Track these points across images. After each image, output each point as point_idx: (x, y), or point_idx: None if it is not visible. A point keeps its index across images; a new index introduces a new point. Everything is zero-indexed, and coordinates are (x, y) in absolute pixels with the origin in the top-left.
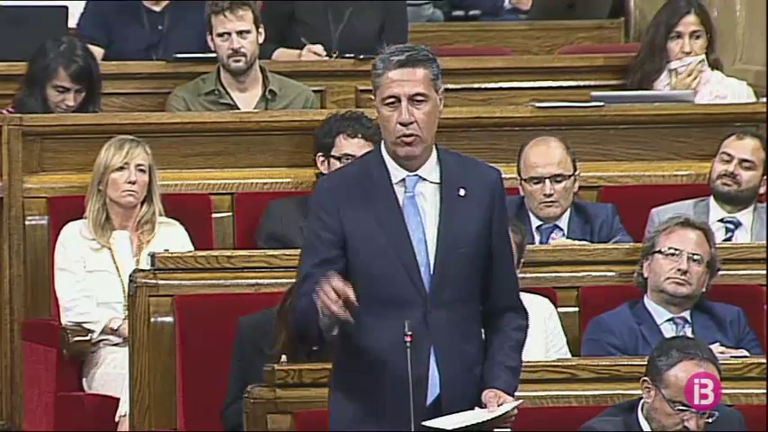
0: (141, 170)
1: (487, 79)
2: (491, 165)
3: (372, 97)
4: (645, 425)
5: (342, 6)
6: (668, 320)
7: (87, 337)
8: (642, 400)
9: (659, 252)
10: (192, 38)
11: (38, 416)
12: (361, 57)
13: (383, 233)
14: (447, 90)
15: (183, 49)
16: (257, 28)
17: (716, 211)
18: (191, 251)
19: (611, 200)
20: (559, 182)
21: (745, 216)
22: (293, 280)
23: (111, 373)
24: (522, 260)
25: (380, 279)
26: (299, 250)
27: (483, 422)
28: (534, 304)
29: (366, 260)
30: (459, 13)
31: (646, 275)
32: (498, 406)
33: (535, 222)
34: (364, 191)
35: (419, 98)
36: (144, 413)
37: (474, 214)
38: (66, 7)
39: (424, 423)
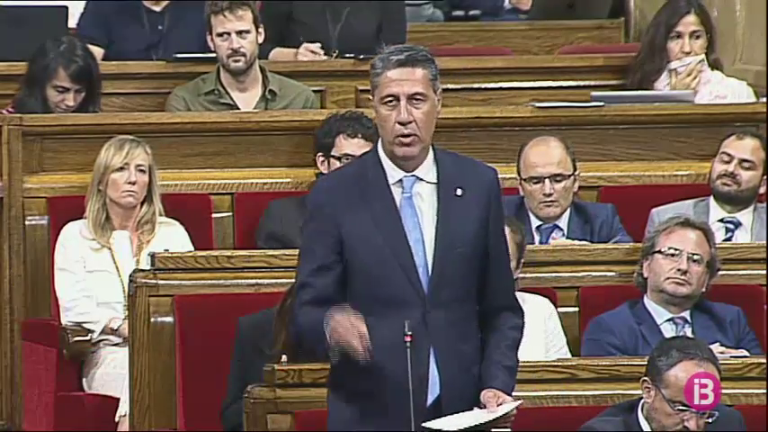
0: (141, 170)
1: (487, 79)
2: (488, 164)
3: (372, 97)
4: (645, 425)
5: (339, 6)
6: (668, 320)
7: (87, 337)
8: (642, 400)
9: (659, 252)
10: (192, 38)
11: (38, 416)
12: (361, 57)
13: (380, 234)
14: (447, 90)
15: (182, 49)
16: (257, 28)
17: (716, 211)
18: (191, 251)
19: (611, 200)
20: (559, 181)
21: (745, 216)
22: (293, 280)
23: (111, 373)
24: (522, 260)
25: (378, 280)
26: (299, 251)
27: (483, 423)
28: (534, 304)
29: (364, 261)
30: (459, 13)
31: (646, 275)
32: (497, 406)
33: (535, 222)
34: (361, 192)
35: (418, 98)
36: (144, 413)
37: (471, 214)
38: (66, 7)
39: (424, 425)
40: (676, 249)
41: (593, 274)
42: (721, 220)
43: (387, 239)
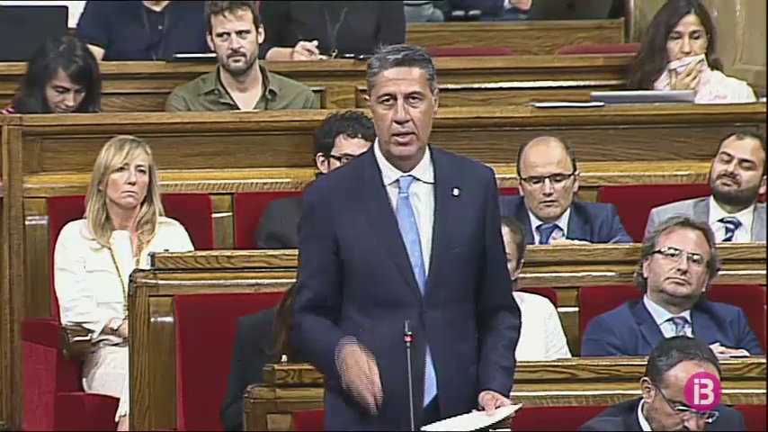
0: (141, 171)
1: (487, 79)
2: (485, 164)
3: (369, 97)
4: (645, 425)
5: (338, 6)
6: (668, 320)
7: (87, 337)
8: (642, 400)
9: (659, 252)
10: (192, 38)
11: (38, 416)
12: (361, 57)
13: (375, 234)
14: (447, 90)
15: (182, 49)
16: (257, 28)
17: (716, 211)
18: (191, 251)
19: (611, 200)
20: (559, 181)
21: (745, 216)
22: (293, 280)
23: (111, 373)
24: (522, 260)
25: (375, 280)
26: (298, 251)
27: (482, 428)
28: (534, 304)
29: (360, 261)
30: (459, 13)
31: (646, 275)
32: (496, 408)
33: (535, 222)
34: (356, 192)
35: (415, 97)
36: (144, 413)
37: (468, 214)
38: (66, 7)
39: (423, 429)
40: (676, 249)
41: (593, 274)
42: (721, 220)
43: (382, 239)
